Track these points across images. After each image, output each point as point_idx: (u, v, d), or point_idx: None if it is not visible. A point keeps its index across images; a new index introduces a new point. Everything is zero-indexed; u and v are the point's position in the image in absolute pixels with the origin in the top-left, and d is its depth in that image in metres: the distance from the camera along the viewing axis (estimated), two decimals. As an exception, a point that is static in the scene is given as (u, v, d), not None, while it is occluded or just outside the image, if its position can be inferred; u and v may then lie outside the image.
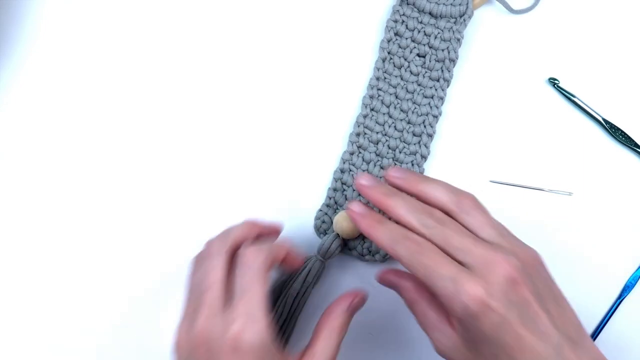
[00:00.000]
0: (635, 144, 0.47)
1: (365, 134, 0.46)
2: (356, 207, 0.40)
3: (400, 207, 0.37)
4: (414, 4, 0.47)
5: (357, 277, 0.46)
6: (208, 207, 0.46)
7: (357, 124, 0.46)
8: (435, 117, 0.46)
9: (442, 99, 0.46)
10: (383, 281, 0.41)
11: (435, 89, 0.46)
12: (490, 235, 0.37)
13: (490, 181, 0.47)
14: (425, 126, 0.46)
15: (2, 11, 0.48)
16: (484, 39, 0.48)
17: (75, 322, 0.45)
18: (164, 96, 0.48)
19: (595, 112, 0.47)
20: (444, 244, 0.36)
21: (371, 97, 0.47)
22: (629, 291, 0.46)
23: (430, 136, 0.46)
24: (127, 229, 0.46)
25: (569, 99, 0.47)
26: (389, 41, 0.47)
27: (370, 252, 0.45)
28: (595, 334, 0.46)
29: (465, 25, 0.46)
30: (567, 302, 0.38)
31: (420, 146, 0.46)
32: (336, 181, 0.46)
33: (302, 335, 0.44)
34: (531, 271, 0.36)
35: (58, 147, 0.47)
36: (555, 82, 0.48)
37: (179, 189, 0.47)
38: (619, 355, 0.45)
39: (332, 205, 0.46)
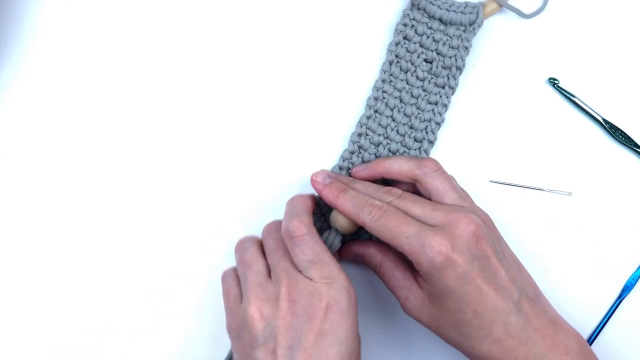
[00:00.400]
0: (635, 144, 0.47)
1: (367, 135, 0.46)
2: (319, 177, 0.42)
3: (348, 203, 0.40)
4: (424, 9, 0.46)
5: (356, 274, 0.46)
6: (209, 206, 0.47)
7: (360, 124, 0.47)
8: (438, 124, 0.46)
9: (446, 106, 0.46)
10: (348, 255, 0.44)
11: (440, 96, 0.46)
12: (454, 198, 0.40)
13: (490, 181, 0.47)
14: (427, 132, 0.46)
15: (2, 11, 0.47)
16: (484, 40, 0.48)
17: (75, 322, 0.46)
18: (164, 96, 0.47)
19: (595, 112, 0.47)
20: (406, 213, 0.39)
21: (376, 98, 0.47)
22: (629, 291, 0.46)
23: (432, 142, 0.46)
24: (127, 229, 0.46)
25: (569, 99, 0.47)
26: (397, 44, 0.46)
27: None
28: (595, 334, 0.46)
29: (475, 34, 0.46)
30: (523, 265, 0.41)
31: (420, 152, 0.46)
32: None
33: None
34: (490, 230, 0.39)
35: (58, 147, 0.47)
36: (555, 82, 0.48)
37: (180, 189, 0.47)
38: (619, 356, 0.46)
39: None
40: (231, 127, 0.47)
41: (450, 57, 0.46)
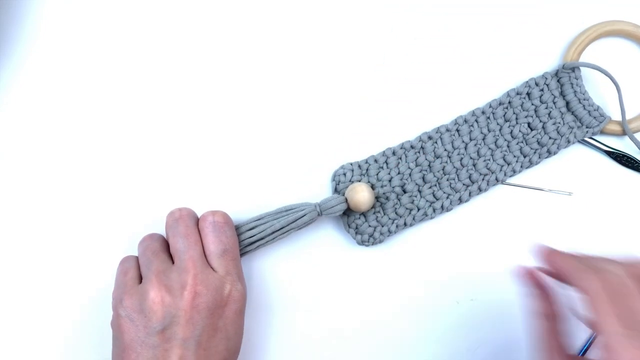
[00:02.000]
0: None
1: (399, 161, 0.46)
2: (542, 249, 0.36)
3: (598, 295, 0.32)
4: (562, 85, 0.46)
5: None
6: (210, 205, 0.46)
7: (403, 147, 0.46)
8: (498, 181, 0.46)
9: (514, 172, 0.46)
10: (530, 277, 0.38)
11: (517, 162, 0.46)
12: None
13: None
14: (484, 181, 0.46)
15: (2, 11, 0.47)
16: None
17: (74, 322, 0.45)
18: (164, 96, 0.47)
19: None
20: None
21: (466, 121, 0.46)
22: None
23: (481, 190, 0.46)
24: (127, 229, 0.46)
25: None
26: (517, 94, 0.46)
27: (358, 231, 0.45)
28: (594, 335, 0.46)
29: (584, 136, 0.46)
30: None
31: (460, 196, 0.46)
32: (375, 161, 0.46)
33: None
34: None
35: (58, 147, 0.46)
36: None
37: (180, 189, 0.46)
38: None
39: (357, 173, 0.46)
40: (230, 128, 0.47)
41: (550, 138, 0.46)
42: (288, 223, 0.43)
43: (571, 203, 0.47)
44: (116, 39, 0.48)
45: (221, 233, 0.40)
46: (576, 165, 0.47)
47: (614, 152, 0.47)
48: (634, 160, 0.47)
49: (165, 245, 0.41)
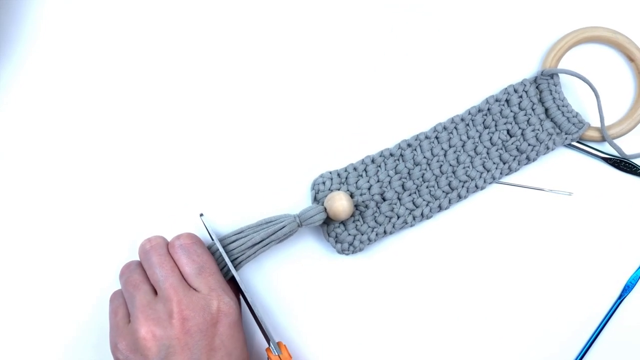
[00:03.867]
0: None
1: (378, 169, 0.45)
2: None
3: None
4: (541, 91, 0.46)
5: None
6: (210, 205, 0.46)
7: (382, 155, 0.46)
8: (477, 188, 0.46)
9: (494, 179, 0.46)
10: None
11: (497, 169, 0.46)
12: None
13: None
14: (464, 188, 0.45)
15: (2, 11, 0.47)
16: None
17: (74, 322, 0.45)
18: (164, 96, 0.47)
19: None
20: None
21: (445, 128, 0.46)
22: (629, 291, 0.46)
23: (460, 197, 0.46)
24: (127, 228, 0.46)
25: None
26: (496, 100, 0.46)
27: (337, 240, 0.45)
28: (595, 334, 0.46)
29: (563, 143, 0.46)
30: None
31: (440, 202, 0.45)
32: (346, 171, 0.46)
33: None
34: None
35: (58, 147, 0.47)
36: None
37: (180, 188, 0.47)
38: (620, 356, 0.46)
39: (336, 182, 0.45)
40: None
41: (529, 145, 0.45)
42: (268, 235, 0.42)
43: (571, 203, 0.47)
44: (116, 38, 0.48)
45: (191, 253, 0.40)
46: (576, 166, 0.47)
47: (611, 159, 0.47)
48: (633, 165, 0.47)
49: (144, 273, 0.41)
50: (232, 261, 0.43)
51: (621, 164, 0.47)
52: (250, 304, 0.42)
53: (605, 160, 0.47)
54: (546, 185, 0.47)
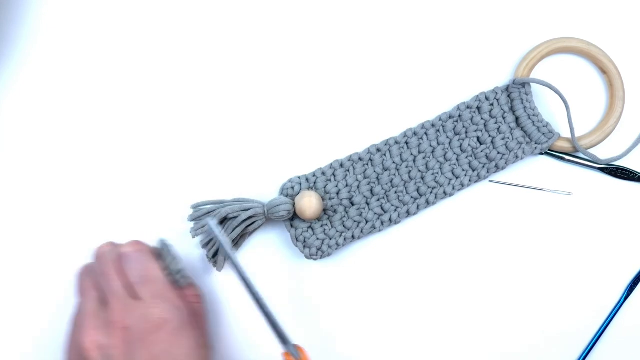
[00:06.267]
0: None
1: (347, 173, 0.45)
2: None
3: None
4: (512, 100, 0.46)
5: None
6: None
7: (351, 159, 0.45)
8: (446, 194, 0.45)
9: (463, 186, 0.45)
10: None
11: (465, 175, 0.45)
12: None
13: (490, 181, 0.47)
14: (432, 194, 0.45)
15: (2, 11, 0.47)
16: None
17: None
18: (164, 95, 0.48)
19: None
20: None
21: (415, 133, 0.46)
22: (632, 292, 0.46)
23: (429, 204, 0.45)
24: (127, 229, 0.46)
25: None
26: (467, 107, 0.46)
27: (305, 244, 0.45)
28: (598, 334, 0.46)
29: (532, 153, 0.46)
30: None
31: (409, 208, 0.45)
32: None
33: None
34: None
35: (58, 147, 0.47)
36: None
37: (180, 188, 0.47)
38: (622, 355, 0.46)
39: (305, 187, 0.45)
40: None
41: (498, 153, 0.45)
42: (235, 210, 0.43)
43: (571, 203, 0.47)
44: (115, 38, 0.48)
45: (133, 261, 0.40)
46: (576, 166, 0.47)
47: (607, 168, 0.47)
48: (629, 172, 0.47)
49: (94, 279, 0.40)
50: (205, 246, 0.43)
51: (618, 171, 0.47)
52: (264, 307, 0.40)
53: (602, 170, 0.47)
54: (546, 185, 0.47)
